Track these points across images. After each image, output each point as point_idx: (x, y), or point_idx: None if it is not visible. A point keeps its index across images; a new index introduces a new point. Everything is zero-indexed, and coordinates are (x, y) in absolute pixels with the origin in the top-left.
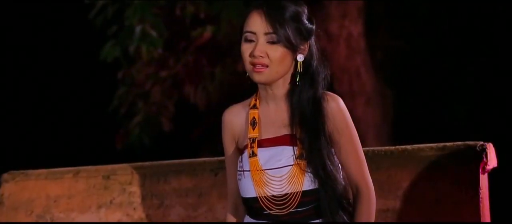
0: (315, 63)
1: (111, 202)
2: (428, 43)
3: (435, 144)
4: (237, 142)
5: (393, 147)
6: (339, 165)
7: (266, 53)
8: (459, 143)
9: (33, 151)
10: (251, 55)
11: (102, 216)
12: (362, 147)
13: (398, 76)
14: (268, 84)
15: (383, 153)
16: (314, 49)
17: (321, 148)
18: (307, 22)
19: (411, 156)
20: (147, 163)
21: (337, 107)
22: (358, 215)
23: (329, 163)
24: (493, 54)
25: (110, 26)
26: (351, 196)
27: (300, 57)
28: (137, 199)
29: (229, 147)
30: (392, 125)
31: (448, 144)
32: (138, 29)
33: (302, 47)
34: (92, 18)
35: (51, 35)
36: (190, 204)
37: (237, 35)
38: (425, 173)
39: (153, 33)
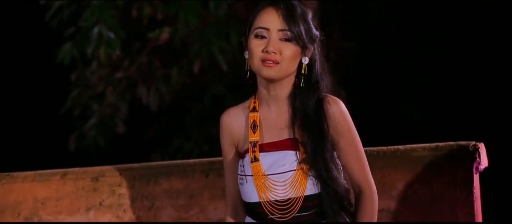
0: (318, 67)
1: (100, 204)
2: (382, 44)
3: (428, 144)
4: (237, 146)
5: (385, 148)
6: (341, 167)
7: (279, 49)
8: (452, 143)
9: None
10: (264, 51)
11: (92, 218)
12: None
13: (352, 77)
14: (273, 82)
15: (375, 153)
16: (318, 54)
17: (324, 151)
18: (313, 25)
19: (404, 156)
20: (136, 165)
21: (339, 110)
22: (361, 216)
23: (332, 165)
24: (447, 55)
25: (67, 28)
26: (352, 197)
27: (305, 59)
28: (127, 201)
29: (228, 151)
30: None
31: (440, 144)
32: (95, 30)
33: (309, 49)
34: (48, 20)
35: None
36: (181, 206)
37: (245, 31)
38: (419, 173)
39: (110, 35)
